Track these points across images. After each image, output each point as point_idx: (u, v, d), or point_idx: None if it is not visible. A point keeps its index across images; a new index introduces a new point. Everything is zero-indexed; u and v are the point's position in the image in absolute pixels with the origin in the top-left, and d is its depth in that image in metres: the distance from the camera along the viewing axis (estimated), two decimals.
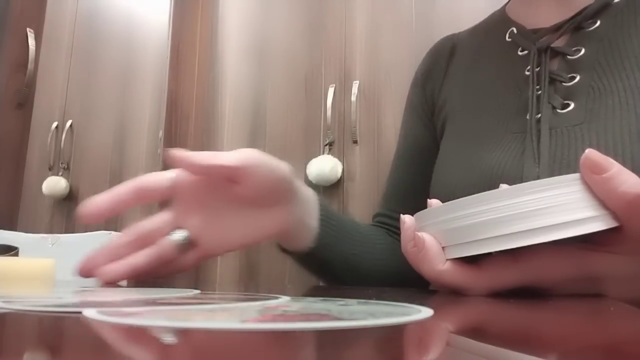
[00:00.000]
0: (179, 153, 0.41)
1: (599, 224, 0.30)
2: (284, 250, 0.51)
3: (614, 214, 0.30)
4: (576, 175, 0.31)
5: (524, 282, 0.33)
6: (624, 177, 0.30)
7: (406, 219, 0.36)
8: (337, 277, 0.53)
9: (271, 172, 0.43)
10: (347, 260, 0.52)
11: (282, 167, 0.43)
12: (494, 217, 0.31)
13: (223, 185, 0.42)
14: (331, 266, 0.51)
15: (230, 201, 0.43)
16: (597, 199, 0.30)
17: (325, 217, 0.50)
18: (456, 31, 0.69)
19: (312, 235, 0.49)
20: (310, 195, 0.49)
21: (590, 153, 0.31)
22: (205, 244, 0.44)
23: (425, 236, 0.34)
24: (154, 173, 0.44)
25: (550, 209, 0.30)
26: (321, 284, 0.58)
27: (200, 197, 0.44)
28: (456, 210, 0.33)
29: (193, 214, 0.44)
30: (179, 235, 0.43)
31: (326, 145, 1.50)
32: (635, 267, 0.32)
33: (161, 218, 0.44)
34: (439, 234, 0.34)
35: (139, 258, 0.42)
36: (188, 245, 0.43)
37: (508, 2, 0.63)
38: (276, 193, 0.44)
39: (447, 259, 0.34)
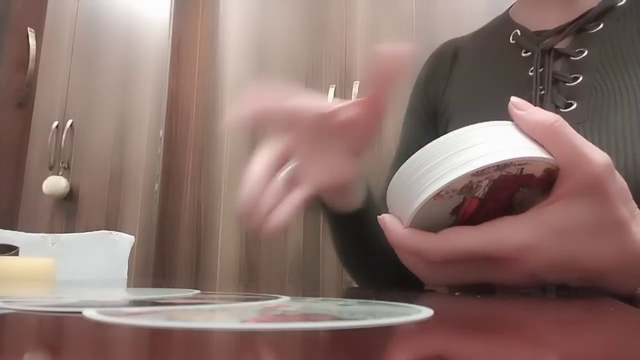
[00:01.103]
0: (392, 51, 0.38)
1: (532, 150, 0.31)
2: (326, 210, 0.51)
3: (543, 148, 0.32)
4: (507, 122, 0.33)
5: (487, 249, 0.32)
6: (542, 111, 0.32)
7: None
8: (370, 248, 0.53)
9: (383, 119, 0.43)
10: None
11: None
12: (429, 166, 0.32)
13: (340, 122, 0.42)
14: (370, 232, 0.51)
15: (336, 138, 0.43)
16: (528, 135, 0.32)
17: (367, 181, 0.51)
18: (456, 31, 0.69)
19: (362, 195, 0.49)
20: None
21: (514, 97, 0.34)
22: (306, 179, 0.42)
23: (385, 215, 0.36)
24: (309, 99, 0.42)
25: (481, 143, 0.31)
26: (321, 283, 0.57)
27: (316, 130, 0.42)
28: (401, 177, 0.34)
29: (303, 146, 0.42)
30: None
31: None
32: (589, 211, 0.31)
33: (276, 149, 0.42)
34: (396, 210, 0.35)
35: (292, 203, 0.40)
36: (292, 177, 0.41)
37: (512, 5, 0.63)
38: (370, 141, 0.45)
39: (405, 227, 0.34)
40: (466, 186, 0.32)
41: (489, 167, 0.31)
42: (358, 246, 0.53)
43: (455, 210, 0.34)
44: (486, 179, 0.32)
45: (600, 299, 0.30)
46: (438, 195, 0.32)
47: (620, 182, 0.33)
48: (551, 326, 0.18)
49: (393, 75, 0.40)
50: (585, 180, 0.31)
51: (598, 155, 0.32)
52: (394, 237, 0.35)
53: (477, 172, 0.31)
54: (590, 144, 0.32)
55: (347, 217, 0.50)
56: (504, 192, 0.33)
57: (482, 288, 0.36)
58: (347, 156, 0.44)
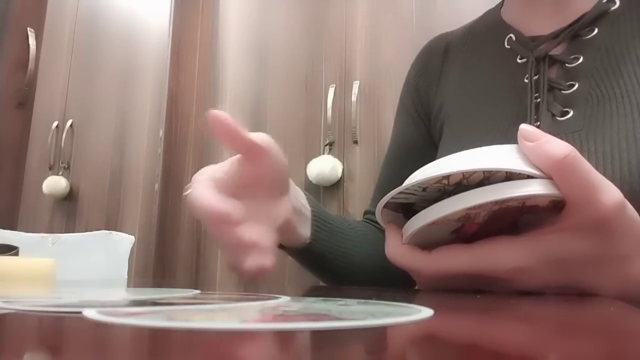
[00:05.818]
0: (221, 116, 0.37)
1: (535, 187, 0.30)
2: (280, 245, 0.50)
3: (552, 180, 0.31)
4: (514, 146, 0.32)
5: (479, 269, 0.32)
6: (554, 142, 0.31)
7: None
8: (331, 271, 0.53)
9: (280, 155, 0.41)
10: (340, 254, 0.52)
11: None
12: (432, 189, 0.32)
13: (243, 169, 0.40)
14: (326, 260, 0.51)
15: (249, 189, 0.40)
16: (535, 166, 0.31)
17: (316, 212, 0.49)
18: None
19: (309, 229, 0.48)
20: (299, 189, 0.47)
21: (524, 125, 0.32)
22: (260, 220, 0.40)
23: (390, 224, 0.37)
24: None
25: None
26: (321, 283, 0.57)
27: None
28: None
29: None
30: None
31: (326, 145, 1.50)
32: (591, 246, 0.31)
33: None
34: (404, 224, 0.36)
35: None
36: None
37: (502, 4, 0.62)
38: (283, 179, 0.42)
39: (402, 243, 0.36)
40: (463, 217, 0.31)
41: (486, 203, 0.30)
42: (318, 269, 0.53)
43: (456, 231, 0.34)
44: (484, 210, 0.31)
45: (600, 299, 0.30)
46: (433, 223, 0.32)
47: (632, 217, 0.32)
48: (551, 326, 0.18)
49: (231, 132, 0.38)
50: (592, 219, 0.31)
51: (609, 195, 0.31)
52: (389, 253, 0.37)
53: (474, 207, 0.30)
54: (604, 180, 0.31)
55: (298, 251, 0.48)
56: (507, 218, 0.33)
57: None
58: (268, 200, 0.41)
